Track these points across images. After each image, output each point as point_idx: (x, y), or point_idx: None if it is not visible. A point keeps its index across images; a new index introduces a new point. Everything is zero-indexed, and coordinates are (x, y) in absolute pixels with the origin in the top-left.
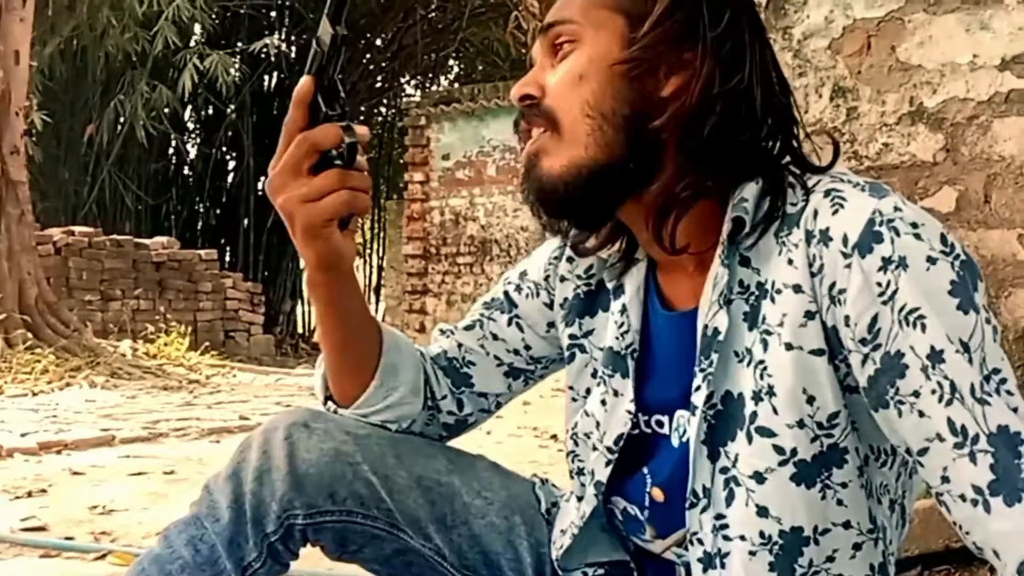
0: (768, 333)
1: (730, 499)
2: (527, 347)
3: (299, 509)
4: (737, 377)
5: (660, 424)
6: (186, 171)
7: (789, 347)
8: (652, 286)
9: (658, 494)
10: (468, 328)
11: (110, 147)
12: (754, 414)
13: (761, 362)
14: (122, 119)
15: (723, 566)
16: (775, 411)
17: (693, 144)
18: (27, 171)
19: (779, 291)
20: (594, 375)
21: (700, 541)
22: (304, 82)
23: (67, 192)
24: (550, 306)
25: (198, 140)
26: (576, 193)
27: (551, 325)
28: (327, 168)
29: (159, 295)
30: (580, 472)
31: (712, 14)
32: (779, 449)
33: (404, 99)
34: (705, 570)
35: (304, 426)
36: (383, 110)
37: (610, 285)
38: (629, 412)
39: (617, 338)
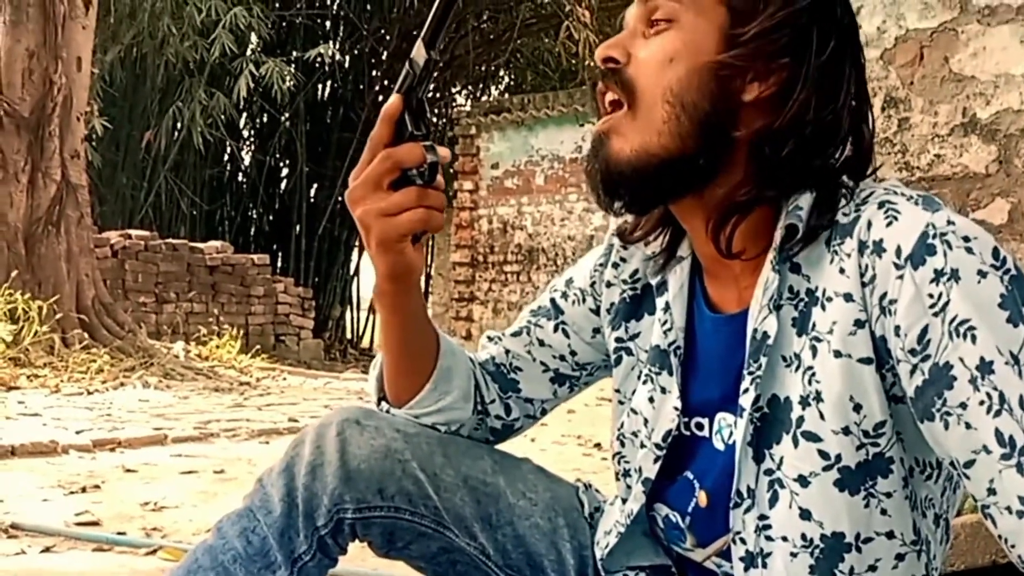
0: (817, 340)
1: (774, 500)
2: (573, 353)
3: (349, 504)
4: (785, 381)
5: (700, 427)
6: (240, 177)
7: (838, 354)
8: (698, 288)
9: (703, 498)
10: (515, 335)
11: (167, 153)
12: (801, 418)
13: (810, 368)
14: (179, 125)
15: (765, 566)
16: (822, 417)
17: (770, 160)
18: (86, 175)
19: (830, 299)
20: (640, 378)
21: (743, 541)
22: (393, 100)
23: (124, 196)
24: (596, 312)
25: (253, 147)
26: (640, 179)
27: (597, 331)
28: (407, 185)
29: (212, 298)
30: (626, 473)
31: (820, 40)
32: (824, 454)
33: (455, 108)
34: (747, 569)
35: (356, 423)
36: (434, 119)
37: (653, 282)
38: (676, 408)
39: (663, 335)
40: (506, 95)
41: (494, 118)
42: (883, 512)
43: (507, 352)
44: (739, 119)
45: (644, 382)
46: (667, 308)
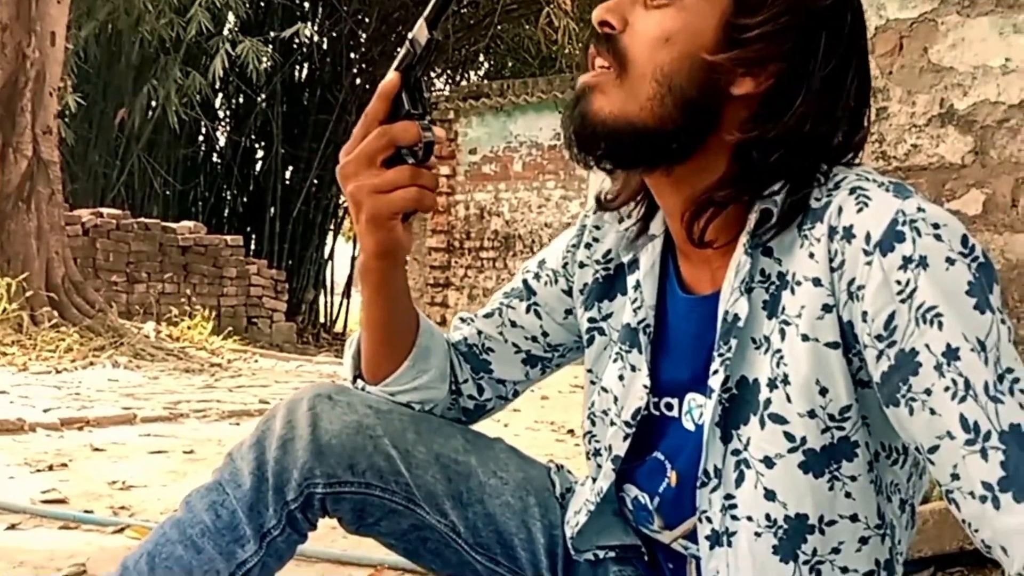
0: (786, 323)
1: (740, 480)
2: (545, 334)
3: (319, 479)
4: (754, 363)
5: (670, 407)
6: (215, 158)
7: (805, 338)
8: (671, 268)
9: (673, 479)
10: (488, 316)
11: (141, 131)
12: (768, 400)
13: (778, 351)
14: (154, 104)
15: (729, 544)
16: (788, 399)
17: (756, 165)
18: (59, 152)
19: (799, 283)
20: (612, 357)
21: (709, 520)
22: (391, 77)
23: (97, 174)
24: (568, 293)
25: (228, 128)
26: (614, 141)
27: (569, 312)
28: (400, 163)
29: (184, 279)
30: (597, 452)
31: (827, 49)
32: (790, 436)
33: (433, 93)
34: (712, 547)
35: (328, 398)
36: (431, 99)
37: (625, 259)
38: (645, 387)
39: (633, 312)
40: (485, 80)
41: (473, 103)
42: (847, 495)
43: (479, 333)
44: (724, 111)
45: (615, 360)
46: (637, 286)
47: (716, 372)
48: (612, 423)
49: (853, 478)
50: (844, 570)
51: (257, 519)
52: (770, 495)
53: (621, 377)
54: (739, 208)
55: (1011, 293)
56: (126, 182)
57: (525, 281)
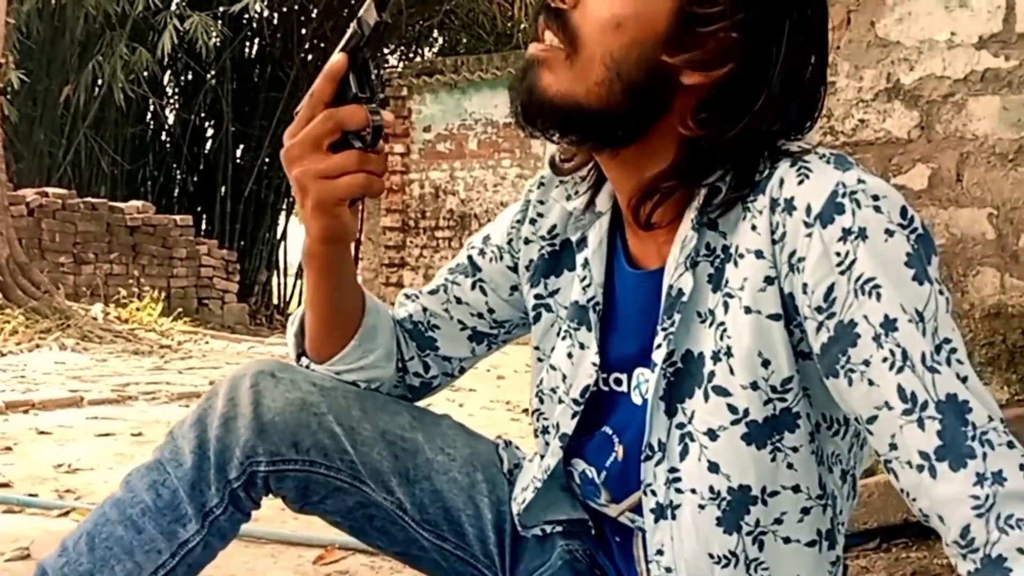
0: (730, 296)
1: (684, 454)
2: (491, 310)
3: (262, 456)
4: (699, 336)
5: (619, 382)
6: (163, 136)
7: (748, 310)
8: (618, 243)
9: (620, 453)
10: (433, 292)
11: (87, 109)
12: (712, 373)
13: (721, 323)
14: (100, 81)
15: (674, 517)
16: (731, 371)
17: (704, 152)
18: (1, 130)
19: (742, 255)
20: (559, 334)
21: (653, 492)
22: (338, 58)
23: (42, 153)
24: (514, 269)
25: (177, 105)
26: (559, 118)
27: (515, 288)
28: (347, 147)
29: (133, 260)
30: (545, 430)
31: (788, 42)
32: (732, 408)
33: (386, 69)
34: (657, 520)
35: (271, 375)
36: (379, 82)
37: (573, 237)
38: (594, 364)
39: (582, 291)
40: (439, 56)
41: (427, 80)
42: (789, 466)
43: (424, 310)
44: (674, 99)
45: (563, 338)
46: (586, 264)
47: (659, 346)
48: (560, 401)
49: (795, 449)
50: (787, 540)
51: (199, 498)
52: (713, 467)
53: (570, 355)
54: (686, 190)
55: (956, 267)
56: (72, 161)
57: (470, 257)
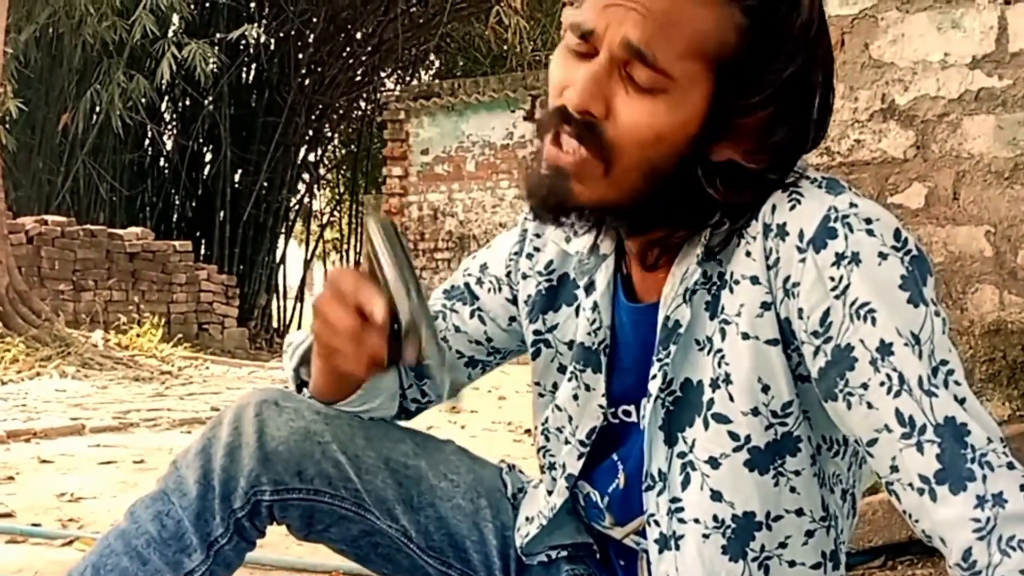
0: (726, 323)
1: (686, 483)
2: (489, 339)
3: (266, 486)
4: (697, 364)
5: (628, 414)
6: (162, 162)
7: (746, 336)
8: (618, 278)
9: (622, 480)
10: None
11: (85, 136)
12: (711, 401)
13: (719, 351)
14: (98, 108)
15: (678, 548)
16: (731, 398)
17: (718, 205)
18: (0, 159)
19: (737, 282)
20: (560, 370)
21: (656, 523)
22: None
23: (40, 181)
24: (513, 302)
25: (175, 131)
26: (589, 219)
27: (513, 319)
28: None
29: (132, 286)
30: (551, 467)
31: (811, 103)
32: (734, 435)
33: (383, 93)
34: (661, 551)
35: (275, 404)
36: (362, 104)
37: (582, 283)
38: (601, 407)
39: (589, 334)
40: (436, 80)
41: (424, 103)
42: (792, 490)
43: None
44: (703, 173)
45: (569, 379)
46: (595, 307)
47: (654, 376)
48: (567, 442)
49: (797, 472)
50: (792, 564)
51: (204, 528)
52: (716, 496)
53: (575, 397)
54: None
55: (954, 285)
56: (71, 188)
57: (467, 285)
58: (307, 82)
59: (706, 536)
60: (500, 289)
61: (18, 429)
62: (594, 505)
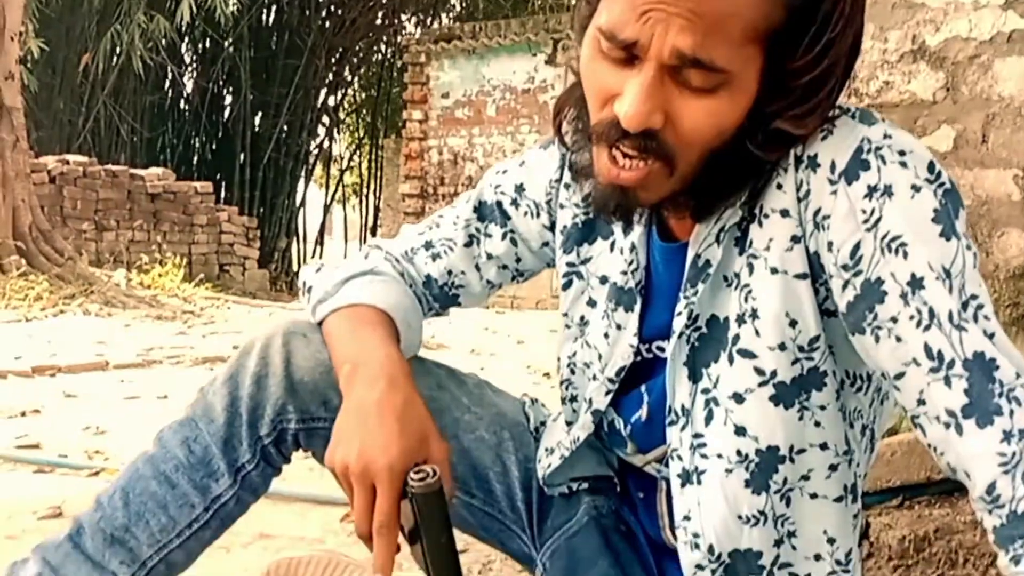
0: (755, 257)
1: (709, 419)
2: (518, 260)
3: (293, 414)
4: (724, 301)
5: (661, 349)
6: (182, 104)
7: (774, 271)
8: (654, 217)
9: (644, 412)
10: (466, 245)
11: (106, 77)
12: (737, 336)
13: (746, 286)
14: (118, 49)
15: (699, 482)
16: (757, 333)
17: (763, 161)
18: (22, 98)
19: (767, 215)
20: (590, 303)
21: (679, 458)
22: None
23: (62, 122)
24: (550, 228)
25: (195, 73)
26: (651, 207)
27: (545, 244)
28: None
29: (154, 227)
30: (573, 399)
31: (854, 49)
32: (759, 371)
33: (404, 36)
34: (683, 485)
35: (303, 336)
36: (382, 47)
37: (620, 224)
38: (632, 346)
39: (623, 273)
40: (457, 23)
41: (444, 46)
42: (816, 424)
43: (449, 272)
44: (755, 143)
45: (602, 317)
46: (633, 248)
47: (679, 314)
48: (595, 378)
49: (822, 407)
50: (813, 496)
51: (231, 454)
52: (740, 431)
53: (607, 335)
54: None
55: (980, 228)
56: (92, 129)
57: (500, 204)
58: (327, 24)
59: (729, 471)
60: (538, 215)
61: (43, 364)
62: (617, 433)
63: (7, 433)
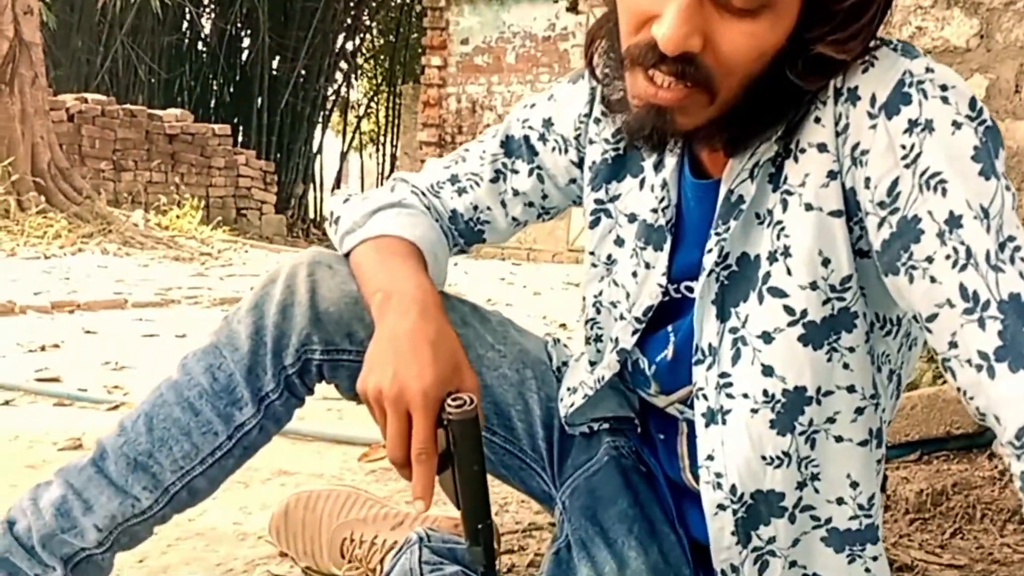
0: (789, 193)
1: (736, 358)
2: (544, 197)
3: (317, 345)
4: (755, 239)
5: (690, 289)
6: (200, 46)
7: (809, 207)
8: (686, 152)
9: (670, 351)
10: (492, 181)
11: (124, 16)
12: (767, 274)
13: (779, 222)
14: None
15: (724, 422)
16: (789, 272)
17: (804, 92)
18: (40, 35)
19: (803, 150)
20: (617, 242)
21: (704, 397)
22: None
23: (80, 61)
24: (578, 165)
25: (213, 14)
26: (686, 137)
27: (572, 181)
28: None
29: (172, 168)
30: (598, 339)
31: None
32: (789, 310)
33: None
34: (707, 425)
35: (328, 267)
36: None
37: (650, 159)
38: (660, 285)
39: (654, 211)
40: None
41: None
42: (845, 366)
43: (475, 208)
44: (795, 69)
45: (630, 256)
46: (664, 185)
47: (710, 251)
48: (622, 317)
49: (851, 349)
50: (838, 439)
51: (255, 382)
52: (768, 370)
53: (635, 274)
54: None
55: (1012, 180)
56: (110, 69)
57: (527, 139)
58: None
59: (755, 411)
60: (566, 150)
61: (62, 300)
62: (641, 372)
63: (27, 366)
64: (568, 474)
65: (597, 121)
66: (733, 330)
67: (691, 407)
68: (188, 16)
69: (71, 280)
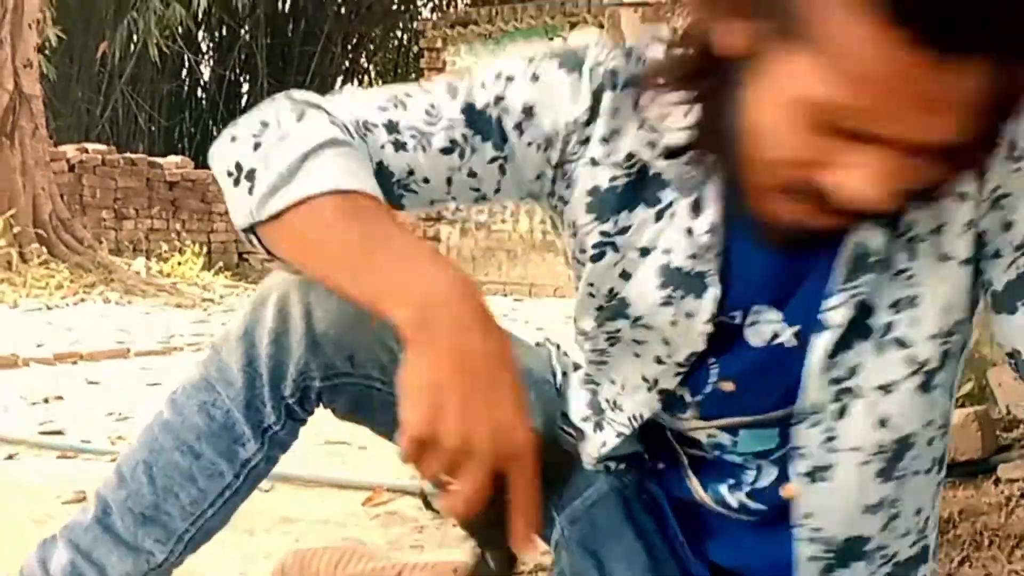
0: (917, 240)
1: (842, 412)
2: (496, 191)
3: (316, 372)
4: (875, 288)
5: (732, 318)
6: (199, 92)
7: (944, 258)
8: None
9: (728, 386)
10: (444, 152)
11: (123, 66)
12: (889, 324)
13: (905, 271)
14: (135, 37)
15: (829, 479)
16: (915, 322)
17: None
18: (40, 87)
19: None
20: (623, 276)
21: (803, 456)
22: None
23: (80, 110)
24: (557, 165)
25: (212, 61)
26: None
27: (539, 177)
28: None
29: (173, 215)
30: (610, 369)
31: None
32: (912, 360)
33: (420, 21)
34: (812, 483)
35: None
36: (399, 33)
37: (686, 198)
38: (704, 333)
39: (693, 257)
40: (473, 7)
41: (461, 31)
42: (933, 404)
43: (410, 172)
44: None
45: (663, 303)
46: (711, 230)
47: (836, 308)
48: (660, 361)
49: (944, 386)
50: (916, 473)
51: (255, 416)
52: (883, 422)
53: (675, 323)
54: None
55: None
56: (110, 118)
57: (500, 121)
58: (343, 11)
59: (865, 463)
60: (546, 148)
61: (65, 352)
62: (679, 400)
63: (31, 419)
64: (567, 501)
65: (605, 140)
66: (836, 381)
67: (730, 433)
68: (187, 64)
69: (73, 331)
